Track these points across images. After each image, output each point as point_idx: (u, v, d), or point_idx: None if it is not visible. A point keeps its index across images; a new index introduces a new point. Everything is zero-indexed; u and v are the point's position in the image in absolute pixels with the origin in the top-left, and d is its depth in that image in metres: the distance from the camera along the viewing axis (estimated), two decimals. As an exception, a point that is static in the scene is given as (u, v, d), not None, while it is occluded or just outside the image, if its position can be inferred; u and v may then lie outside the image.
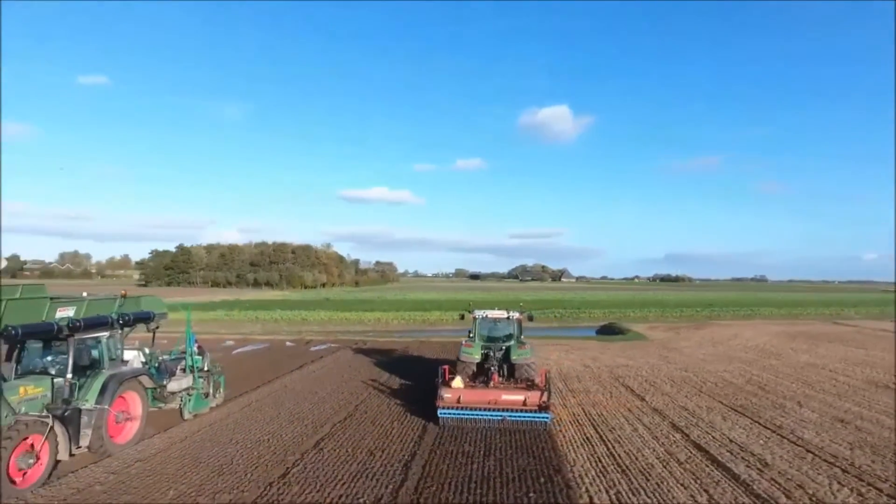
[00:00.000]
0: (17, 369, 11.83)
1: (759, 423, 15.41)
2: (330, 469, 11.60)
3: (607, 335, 43.29)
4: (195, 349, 15.83)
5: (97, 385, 12.16)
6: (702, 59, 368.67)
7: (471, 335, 19.05)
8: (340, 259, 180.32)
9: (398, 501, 9.99)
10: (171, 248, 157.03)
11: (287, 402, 17.66)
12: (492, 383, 16.67)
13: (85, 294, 12.91)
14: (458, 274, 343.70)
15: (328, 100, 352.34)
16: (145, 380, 13.65)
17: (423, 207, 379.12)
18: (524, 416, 14.86)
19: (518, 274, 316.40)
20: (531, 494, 10.34)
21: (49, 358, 12.16)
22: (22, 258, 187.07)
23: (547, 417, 14.67)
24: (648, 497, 10.31)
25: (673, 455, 12.69)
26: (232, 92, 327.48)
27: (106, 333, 12.89)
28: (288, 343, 34.35)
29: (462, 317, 20.40)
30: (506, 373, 17.78)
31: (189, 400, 15.27)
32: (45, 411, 11.07)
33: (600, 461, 12.25)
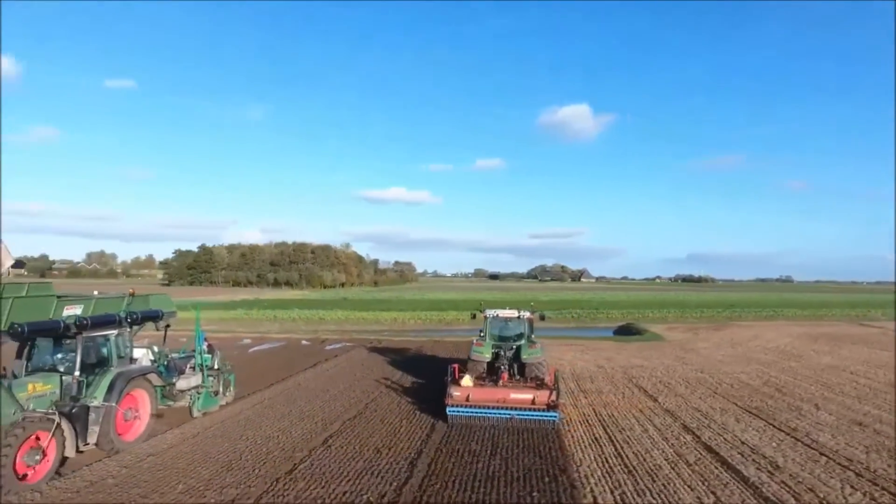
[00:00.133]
0: (27, 366, 12.05)
1: (774, 426, 15.14)
2: (336, 466, 11.71)
3: (624, 336, 42.88)
4: (204, 347, 15.99)
5: (105, 383, 12.34)
6: (724, 57, 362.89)
7: (482, 334, 19.10)
8: (359, 259, 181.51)
9: (401, 498, 10.04)
10: (194, 248, 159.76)
11: (299, 400, 17.85)
12: (501, 382, 16.66)
13: (96, 293, 13.21)
14: (478, 274, 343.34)
15: (348, 101, 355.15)
16: (154, 378, 13.81)
17: (442, 207, 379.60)
18: (532, 415, 14.86)
19: (537, 274, 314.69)
20: (535, 494, 10.32)
21: (59, 356, 12.33)
22: (50, 258, 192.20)
23: (555, 416, 14.63)
24: (654, 498, 10.21)
25: (682, 456, 12.54)
26: (253, 94, 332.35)
27: (114, 331, 13.06)
28: (303, 342, 34.69)
29: (473, 316, 20.44)
30: (516, 372, 17.77)
31: (198, 398, 15.44)
32: (53, 408, 11.24)
33: (607, 461, 12.16)
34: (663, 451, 12.89)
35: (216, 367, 16.47)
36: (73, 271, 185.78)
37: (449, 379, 16.41)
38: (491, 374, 17.62)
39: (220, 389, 16.52)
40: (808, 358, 28.20)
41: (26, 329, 10.72)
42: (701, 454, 12.71)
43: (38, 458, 10.47)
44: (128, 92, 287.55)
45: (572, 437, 14.09)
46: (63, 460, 11.25)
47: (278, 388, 19.74)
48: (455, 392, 15.68)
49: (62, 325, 11.60)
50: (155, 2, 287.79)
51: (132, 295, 13.77)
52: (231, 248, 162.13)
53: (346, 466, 11.68)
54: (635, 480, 11.06)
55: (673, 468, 11.78)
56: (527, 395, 15.43)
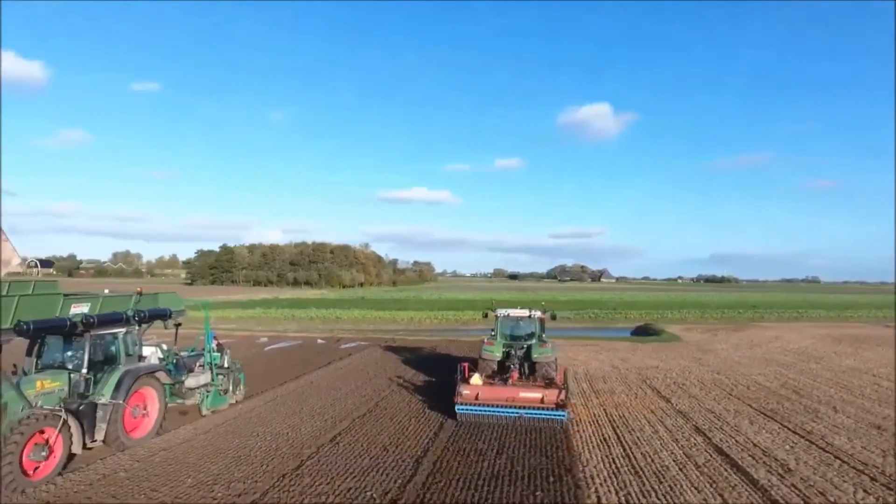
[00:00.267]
0: (37, 364, 12.24)
1: (788, 428, 14.87)
2: (343, 463, 11.82)
3: (641, 336, 42.43)
4: (214, 346, 16.15)
5: (113, 380, 12.48)
6: (749, 54, 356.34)
7: (493, 333, 19.13)
8: (378, 259, 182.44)
9: (405, 496, 10.10)
10: (216, 248, 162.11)
11: (311, 398, 18.04)
12: (510, 381, 16.68)
13: (107, 291, 13.48)
14: (497, 274, 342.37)
15: (368, 102, 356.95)
16: (162, 375, 13.94)
17: (462, 207, 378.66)
18: (540, 414, 14.86)
19: (557, 274, 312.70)
20: (538, 493, 10.30)
21: (69, 353, 12.49)
22: (78, 257, 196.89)
23: (563, 415, 14.59)
24: (659, 499, 10.12)
25: (691, 458, 12.40)
26: (275, 96, 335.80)
27: (122, 330, 13.21)
28: (319, 340, 35.00)
29: (485, 315, 20.51)
30: (527, 371, 17.77)
31: (207, 396, 15.56)
32: (61, 405, 11.37)
33: (614, 462, 12.08)
34: (672, 453, 12.75)
35: (226, 365, 16.59)
36: (100, 271, 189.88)
37: (459, 377, 16.45)
38: (501, 372, 17.67)
39: (230, 388, 16.60)
40: (830, 360, 27.59)
41: (32, 327, 10.86)
42: (711, 456, 12.55)
43: (44, 454, 10.55)
44: (152, 95, 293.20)
45: (581, 437, 14.02)
46: (71, 457, 11.39)
47: (291, 386, 19.97)
48: (465, 390, 15.73)
49: (68, 322, 11.74)
50: (180, 3, 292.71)
51: (140, 293, 13.92)
52: (252, 248, 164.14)
53: (353, 463, 11.78)
54: (641, 481, 10.97)
55: (681, 470, 11.65)
56: (536, 394, 15.41)
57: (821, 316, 61.10)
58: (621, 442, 13.57)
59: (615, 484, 10.83)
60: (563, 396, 15.08)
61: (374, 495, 10.11)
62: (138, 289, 14.14)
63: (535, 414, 14.97)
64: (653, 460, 12.22)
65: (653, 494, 10.32)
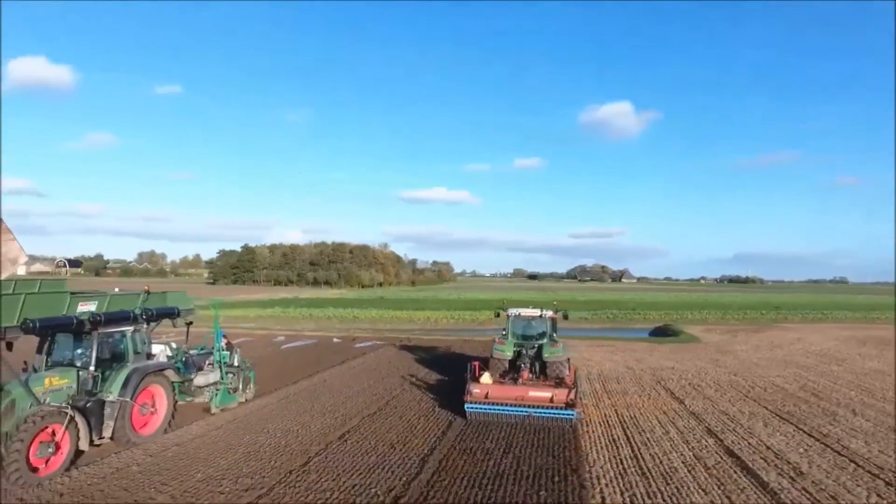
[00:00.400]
0: (47, 361, 12.42)
1: (804, 431, 14.59)
2: (349, 460, 11.93)
3: (659, 337, 41.93)
4: (223, 345, 16.29)
5: (121, 378, 12.61)
6: (773, 52, 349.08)
7: (504, 333, 19.14)
8: (397, 259, 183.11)
9: (408, 493, 10.16)
10: (238, 248, 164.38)
11: (322, 396, 18.22)
12: (520, 380, 16.69)
13: (117, 290, 13.75)
14: (517, 274, 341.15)
15: (387, 102, 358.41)
16: (171, 373, 14.08)
17: (481, 207, 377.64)
18: (549, 413, 14.86)
19: (577, 274, 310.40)
20: (542, 493, 10.27)
21: (78, 351, 12.67)
22: (105, 257, 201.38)
23: (571, 414, 14.55)
24: (665, 500, 10.03)
25: (701, 460, 12.24)
26: (295, 98, 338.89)
27: (130, 328, 13.35)
28: (335, 339, 35.30)
29: (497, 315, 20.52)
30: (538, 370, 17.74)
31: (216, 394, 15.69)
32: (69, 402, 11.51)
33: (622, 463, 11.99)
34: (682, 454, 12.61)
35: (235, 364, 16.72)
36: (126, 270, 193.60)
37: (469, 376, 16.49)
38: (513, 372, 17.68)
39: (240, 386, 16.67)
40: (852, 362, 26.95)
41: (38, 324, 10.98)
42: (721, 458, 12.38)
43: (50, 450, 10.67)
44: (175, 98, 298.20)
45: (589, 437, 13.94)
46: (79, 454, 11.52)
47: (304, 384, 20.19)
48: (475, 389, 15.78)
49: (75, 320, 11.88)
50: (202, 7, 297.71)
51: (147, 292, 14.04)
52: (272, 248, 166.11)
53: (359, 461, 11.88)
54: (648, 482, 10.87)
55: (689, 471, 11.51)
56: (545, 393, 15.38)
57: (846, 317, 59.62)
58: (630, 443, 13.46)
59: (621, 485, 10.75)
60: (572, 396, 15.03)
61: (379, 492, 10.19)
62: (145, 287, 14.27)
63: (544, 413, 14.95)
64: (661, 461, 12.10)
65: (658, 496, 10.22)
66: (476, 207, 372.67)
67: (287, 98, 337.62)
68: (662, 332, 45.26)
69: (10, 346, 11.09)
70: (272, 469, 11.34)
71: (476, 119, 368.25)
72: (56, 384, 11.53)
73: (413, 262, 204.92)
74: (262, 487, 10.37)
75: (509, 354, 18.17)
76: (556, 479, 11.00)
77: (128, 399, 12.43)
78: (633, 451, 12.85)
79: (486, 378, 16.52)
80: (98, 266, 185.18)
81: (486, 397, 15.63)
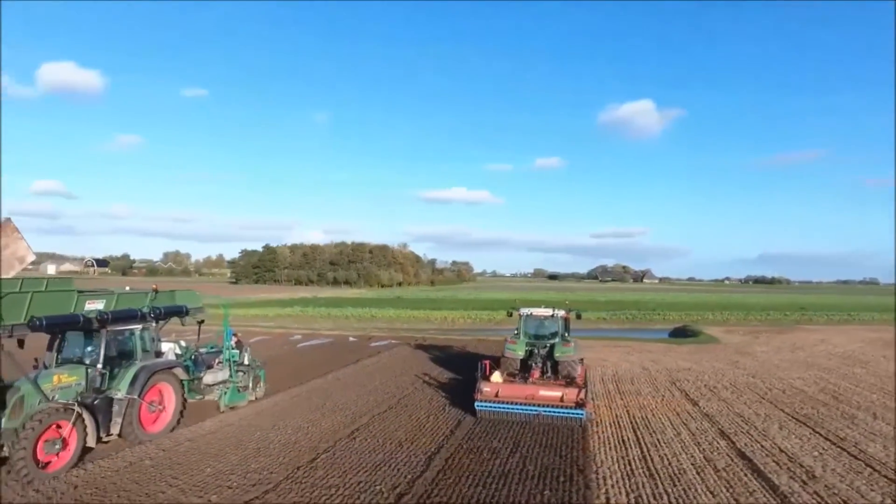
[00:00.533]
0: (57, 358, 12.63)
1: (820, 434, 14.28)
2: (356, 457, 12.04)
3: (679, 338, 41.39)
4: (233, 343, 16.44)
5: (129, 375, 12.74)
6: (797, 48, 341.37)
7: (516, 332, 19.14)
8: (416, 259, 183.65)
9: (412, 490, 10.22)
10: (260, 247, 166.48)
11: (334, 394, 18.40)
12: (531, 379, 16.69)
13: (128, 288, 14.02)
14: (537, 274, 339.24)
15: (408, 103, 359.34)
16: (179, 371, 14.23)
17: (502, 207, 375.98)
18: (558, 412, 14.84)
19: (598, 274, 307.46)
20: (546, 492, 10.25)
21: (88, 348, 12.85)
22: (131, 257, 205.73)
23: (581, 414, 14.49)
24: (671, 502, 9.94)
25: (711, 462, 12.07)
26: (316, 99, 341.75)
27: (139, 326, 13.50)
28: (350, 338, 35.57)
29: (510, 314, 20.52)
30: (550, 370, 17.70)
31: (225, 393, 15.83)
32: (78, 399, 11.67)
33: (630, 464, 11.88)
34: (692, 456, 12.45)
35: (245, 362, 16.82)
36: (151, 270, 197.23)
37: (479, 375, 16.52)
38: (524, 371, 17.67)
39: (250, 385, 16.73)
40: (876, 364, 26.27)
41: (45, 322, 10.98)
42: (732, 460, 12.19)
43: (57, 447, 10.79)
44: (201, 100, 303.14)
45: (599, 437, 13.84)
46: (86, 450, 11.66)
47: (318, 382, 20.39)
48: (485, 388, 15.82)
49: (81, 318, 11.92)
50: (226, 12, 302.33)
51: (156, 291, 14.15)
52: (293, 248, 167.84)
53: (366, 458, 11.97)
54: (655, 483, 10.77)
55: (698, 473, 11.37)
56: (555, 393, 15.34)
57: (874, 319, 58.05)
58: (640, 444, 13.33)
59: (627, 485, 10.67)
60: (582, 395, 14.96)
61: (383, 489, 10.27)
62: (153, 286, 14.39)
63: (554, 412, 14.93)
64: (670, 463, 11.97)
65: (665, 497, 10.13)
66: (497, 207, 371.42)
67: (309, 100, 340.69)
68: (682, 333, 44.68)
69: (21, 343, 11.34)
70: (280, 465, 11.49)
71: (496, 119, 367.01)
72: (65, 381, 11.67)
73: (432, 262, 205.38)
74: (268, 483, 10.52)
75: (521, 354, 18.20)
76: (562, 478, 10.95)
77: (135, 396, 12.56)
78: (642, 452, 12.73)
79: (496, 377, 16.55)
80: (124, 266, 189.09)
81: (497, 396, 15.65)
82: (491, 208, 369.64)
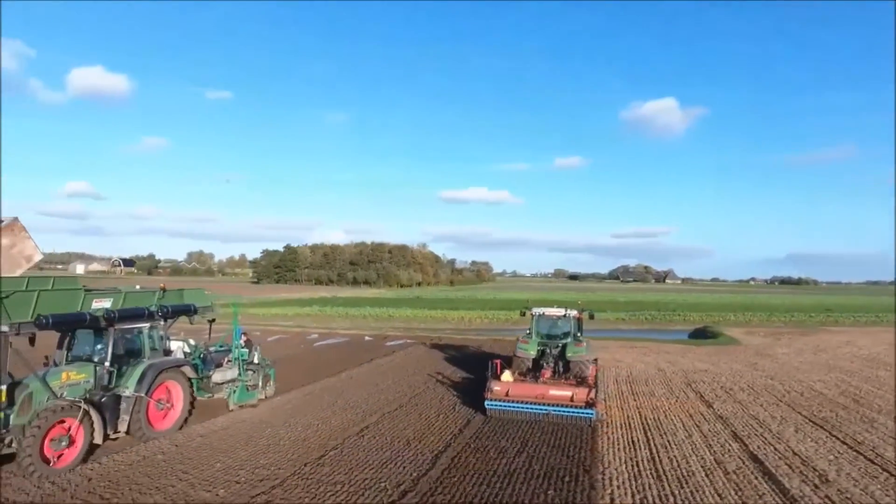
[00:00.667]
0: (67, 356, 12.84)
1: (837, 438, 13.98)
2: (364, 455, 12.14)
3: (698, 339, 40.79)
4: (241, 342, 16.57)
5: (137, 373, 12.85)
6: (823, 42, 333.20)
7: (528, 332, 19.14)
8: (435, 258, 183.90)
9: (417, 488, 10.28)
10: (281, 248, 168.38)
11: (346, 392, 18.56)
12: (541, 378, 16.67)
13: (138, 287, 14.29)
14: (557, 274, 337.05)
15: (428, 102, 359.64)
16: (187, 370, 14.36)
17: (522, 207, 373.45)
18: (567, 411, 14.83)
19: (619, 275, 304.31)
20: (550, 492, 10.22)
21: (98, 347, 13.02)
22: (157, 257, 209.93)
23: (591, 414, 14.43)
24: (677, 504, 9.82)
25: (721, 464, 11.91)
26: (337, 100, 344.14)
27: (146, 324, 13.66)
28: (366, 338, 35.81)
29: (523, 314, 20.55)
30: (561, 369, 17.67)
31: (234, 391, 15.94)
32: (86, 396, 11.83)
33: (638, 465, 11.78)
34: (702, 458, 12.29)
35: (255, 361, 16.93)
36: (176, 269, 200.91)
37: (490, 374, 16.54)
38: (536, 371, 17.67)
39: (259, 384, 16.78)
40: (902, 367, 25.57)
41: (51, 320, 11.06)
42: (743, 463, 12.00)
43: (64, 444, 10.91)
44: (225, 103, 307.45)
45: (608, 438, 13.74)
46: (94, 447, 11.79)
47: (331, 381, 20.60)
48: (495, 387, 15.85)
49: (88, 317, 12.00)
50: (249, 14, 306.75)
51: (163, 290, 14.29)
52: (314, 248, 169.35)
53: (373, 456, 12.07)
54: (662, 485, 10.66)
55: (707, 476, 11.22)
56: (566, 392, 15.30)
57: (904, 320, 56.45)
58: (650, 445, 13.20)
59: (633, 486, 10.58)
60: (592, 395, 14.89)
61: (388, 486, 10.35)
62: (161, 285, 14.52)
63: (563, 411, 14.90)
64: (679, 465, 11.83)
65: (671, 499, 10.02)
66: (516, 207, 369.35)
67: (331, 100, 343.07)
68: (702, 335, 43.99)
69: (32, 340, 11.58)
70: (288, 461, 11.65)
71: (516, 119, 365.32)
72: (73, 379, 11.83)
73: (451, 262, 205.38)
74: (276, 478, 10.69)
75: (533, 353, 18.22)
76: (567, 479, 10.91)
77: (143, 394, 12.70)
78: (651, 453, 12.60)
79: (507, 376, 16.55)
80: (150, 265, 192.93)
81: (507, 395, 15.67)
82: (511, 208, 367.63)
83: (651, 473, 11.29)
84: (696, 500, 9.97)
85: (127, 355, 13.28)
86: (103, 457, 11.70)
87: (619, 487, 10.53)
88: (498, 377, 16.38)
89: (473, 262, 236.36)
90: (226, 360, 15.96)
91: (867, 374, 23.55)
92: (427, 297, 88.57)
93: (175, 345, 15.27)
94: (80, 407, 11.27)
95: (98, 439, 11.76)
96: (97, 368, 12.35)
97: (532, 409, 15.26)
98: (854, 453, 12.74)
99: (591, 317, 20.04)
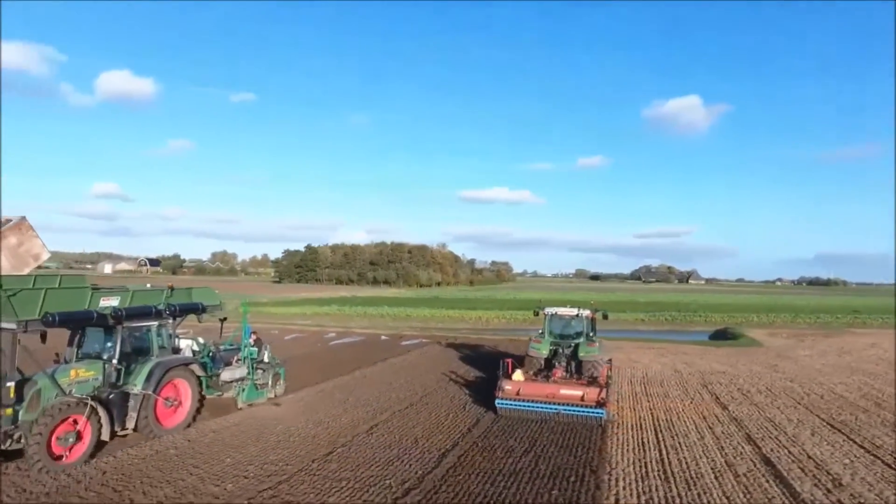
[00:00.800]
0: (77, 353, 13.07)
1: (854, 441, 13.66)
2: (371, 452, 12.24)
3: (719, 340, 40.14)
4: (251, 341, 16.70)
5: (145, 371, 12.95)
6: (850, 37, 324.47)
7: (541, 332, 19.08)
8: (455, 258, 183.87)
9: (421, 486, 10.34)
10: (302, 248, 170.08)
11: (358, 390, 18.71)
12: (553, 378, 16.63)
13: (149, 286, 14.54)
14: (579, 274, 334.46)
15: (448, 102, 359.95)
16: (196, 368, 14.49)
17: (544, 207, 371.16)
18: (578, 411, 14.79)
19: (641, 275, 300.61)
20: (554, 492, 10.19)
21: (107, 344, 12.91)
22: (182, 257, 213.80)
23: (601, 413, 14.35)
24: (682, 506, 9.71)
25: (732, 467, 11.74)
26: (358, 101, 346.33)
27: (155, 323, 13.81)
28: (382, 337, 36.00)
29: (536, 314, 20.49)
30: (574, 369, 17.59)
31: (243, 390, 16.06)
32: (95, 393, 12.02)
33: (645, 466, 11.68)
34: (712, 460, 12.13)
35: (265, 360, 17.03)
36: (200, 269, 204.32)
37: (501, 373, 16.55)
38: (548, 370, 17.64)
39: (269, 382, 16.91)
40: (929, 370, 24.83)
41: (58, 318, 11.15)
42: (755, 466, 11.81)
43: (71, 440, 11.05)
44: (249, 105, 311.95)
45: (618, 439, 13.64)
46: (101, 444, 11.95)
47: (345, 379, 20.77)
48: (506, 386, 15.87)
49: (95, 315, 12.09)
50: (275, 17, 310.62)
51: (171, 289, 14.42)
52: (334, 248, 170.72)
53: (381, 454, 12.17)
54: (669, 487, 10.55)
55: (717, 478, 11.08)
56: (576, 392, 15.25)
57: (935, 323, 54.75)
58: (660, 446, 13.07)
59: (640, 487, 10.50)
60: (603, 395, 14.82)
61: (393, 484, 10.43)
62: (169, 284, 14.65)
63: (573, 411, 14.86)
64: (688, 467, 11.69)
65: (677, 500, 9.93)
66: (538, 207, 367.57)
67: (351, 101, 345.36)
68: (722, 336, 43.28)
69: (43, 338, 11.85)
70: (297, 458, 11.81)
71: (537, 118, 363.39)
72: (82, 376, 12.01)
73: (471, 262, 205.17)
74: (283, 474, 10.85)
75: (545, 353, 18.17)
76: (573, 478, 10.87)
77: (151, 392, 12.85)
78: (660, 454, 12.48)
79: (518, 375, 16.55)
80: (175, 265, 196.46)
81: (518, 394, 15.68)
82: (532, 208, 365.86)
83: (659, 475, 11.19)
84: (703, 502, 9.86)
85: (135, 353, 13.43)
86: (118, 450, 11.98)
87: (624, 488, 10.45)
88: (509, 376, 16.39)
89: (493, 263, 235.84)
90: (235, 358, 16.10)
91: (891, 377, 22.92)
92: (445, 297, 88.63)
93: (184, 343, 15.45)
94: (87, 404, 11.44)
95: (105, 436, 11.91)
96: (106, 366, 12.51)
97: (543, 408, 15.24)
98: (871, 457, 12.45)
99: (605, 317, 19.87)
